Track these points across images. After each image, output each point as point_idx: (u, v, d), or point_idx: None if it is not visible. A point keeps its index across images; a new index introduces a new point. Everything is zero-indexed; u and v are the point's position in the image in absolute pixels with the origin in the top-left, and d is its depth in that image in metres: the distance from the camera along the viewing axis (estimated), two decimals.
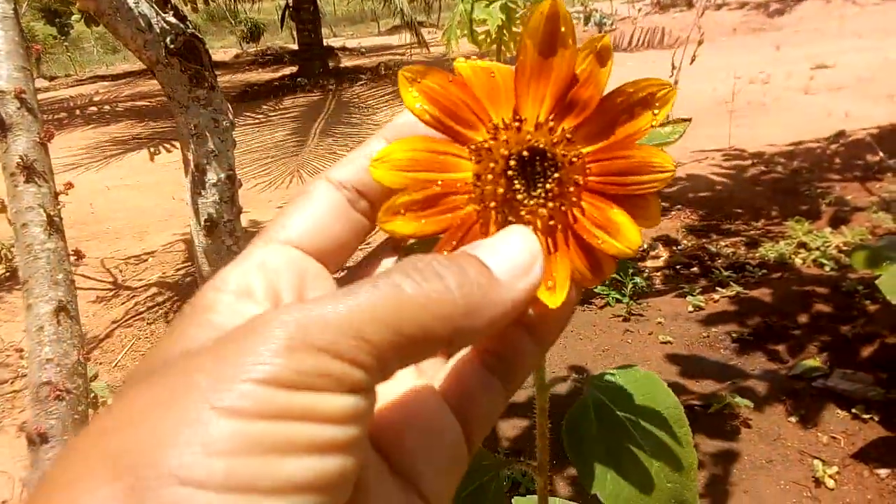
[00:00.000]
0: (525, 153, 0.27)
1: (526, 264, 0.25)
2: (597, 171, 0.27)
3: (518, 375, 0.27)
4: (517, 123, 0.27)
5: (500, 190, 0.27)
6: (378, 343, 0.20)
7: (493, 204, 0.27)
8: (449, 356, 0.27)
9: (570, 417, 0.51)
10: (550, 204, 0.27)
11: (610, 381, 0.51)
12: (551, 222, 0.27)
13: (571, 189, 0.27)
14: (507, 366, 0.27)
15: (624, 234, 0.26)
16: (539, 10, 0.26)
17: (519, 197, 0.27)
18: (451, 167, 0.27)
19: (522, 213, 0.27)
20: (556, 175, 0.27)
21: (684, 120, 0.29)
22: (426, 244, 0.28)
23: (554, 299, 0.26)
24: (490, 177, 0.27)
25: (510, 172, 0.27)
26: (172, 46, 1.68)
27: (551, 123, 0.27)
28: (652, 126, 0.27)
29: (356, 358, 0.19)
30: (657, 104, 0.26)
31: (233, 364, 0.18)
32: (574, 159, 0.27)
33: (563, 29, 0.26)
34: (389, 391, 0.25)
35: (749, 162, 4.18)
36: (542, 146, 0.27)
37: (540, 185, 0.27)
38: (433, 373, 0.27)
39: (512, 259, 0.25)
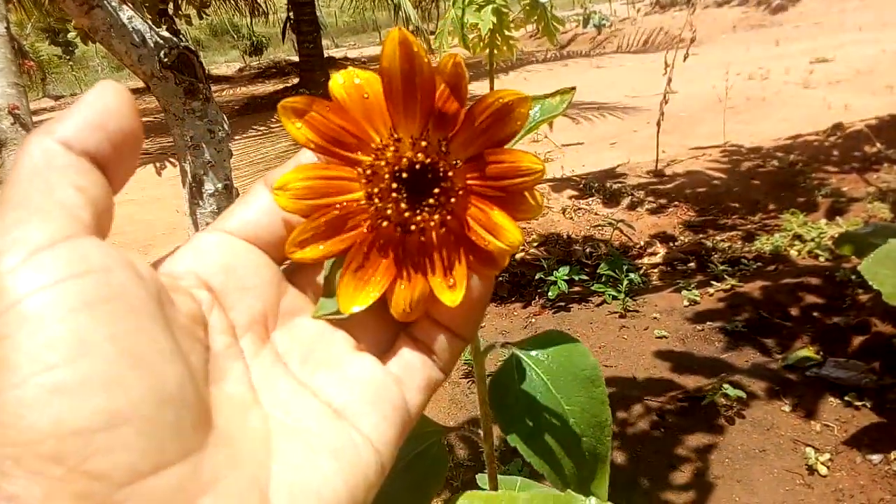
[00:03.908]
0: (405, 171, 0.28)
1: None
2: (475, 177, 0.29)
3: (447, 361, 0.31)
4: (395, 143, 0.29)
5: (391, 206, 0.29)
6: None
7: (385, 223, 0.29)
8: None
9: (494, 378, 0.54)
10: (437, 215, 0.29)
11: (531, 345, 0.54)
12: (442, 230, 0.29)
13: (453, 198, 0.29)
14: (432, 353, 0.30)
15: (505, 234, 0.28)
16: (390, 37, 0.28)
17: (408, 213, 0.29)
18: (345, 190, 0.29)
19: (414, 225, 0.29)
20: (438, 187, 0.29)
21: (570, 89, 0.31)
22: (338, 260, 0.30)
23: (454, 297, 0.29)
24: (380, 195, 0.29)
25: (394, 194, 0.28)
26: (166, 60, 1.72)
27: (426, 139, 0.29)
28: (515, 132, 0.28)
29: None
30: (515, 112, 0.28)
31: None
32: (451, 171, 0.29)
33: (415, 50, 0.27)
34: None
35: (746, 157, 4.19)
36: (420, 161, 0.28)
37: (426, 197, 0.29)
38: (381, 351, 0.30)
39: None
